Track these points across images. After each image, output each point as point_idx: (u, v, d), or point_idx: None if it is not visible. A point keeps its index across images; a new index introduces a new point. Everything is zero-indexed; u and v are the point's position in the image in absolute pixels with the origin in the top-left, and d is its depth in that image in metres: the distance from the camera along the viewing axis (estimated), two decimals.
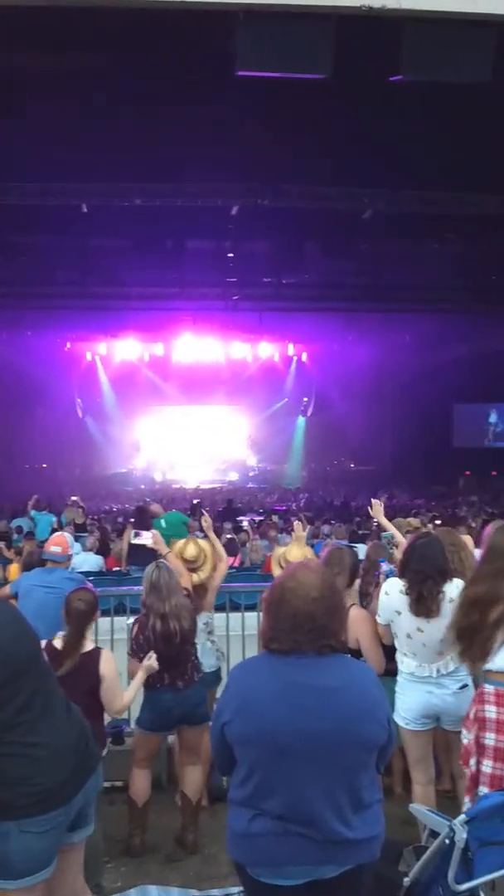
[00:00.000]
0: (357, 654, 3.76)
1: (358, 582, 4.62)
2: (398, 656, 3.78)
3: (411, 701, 3.73)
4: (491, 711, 3.10)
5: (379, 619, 3.70)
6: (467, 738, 3.19)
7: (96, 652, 3.76)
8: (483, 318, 20.26)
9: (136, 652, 4.07)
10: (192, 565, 4.72)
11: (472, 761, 3.12)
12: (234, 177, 13.99)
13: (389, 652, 3.97)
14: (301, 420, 29.62)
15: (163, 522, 7.95)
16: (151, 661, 3.85)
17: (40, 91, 10.81)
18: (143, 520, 8.61)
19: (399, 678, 3.77)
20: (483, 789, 3.02)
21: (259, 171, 13.79)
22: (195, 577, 4.70)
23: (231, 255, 17.93)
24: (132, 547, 7.59)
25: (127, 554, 8.38)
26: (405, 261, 18.15)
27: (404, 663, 3.73)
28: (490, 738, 3.07)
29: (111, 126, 11.82)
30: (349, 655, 3.57)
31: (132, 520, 12.24)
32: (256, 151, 13.01)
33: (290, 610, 2.25)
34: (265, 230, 16.48)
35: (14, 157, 12.43)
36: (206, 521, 5.41)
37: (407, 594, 3.68)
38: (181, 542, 4.87)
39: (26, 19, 9.13)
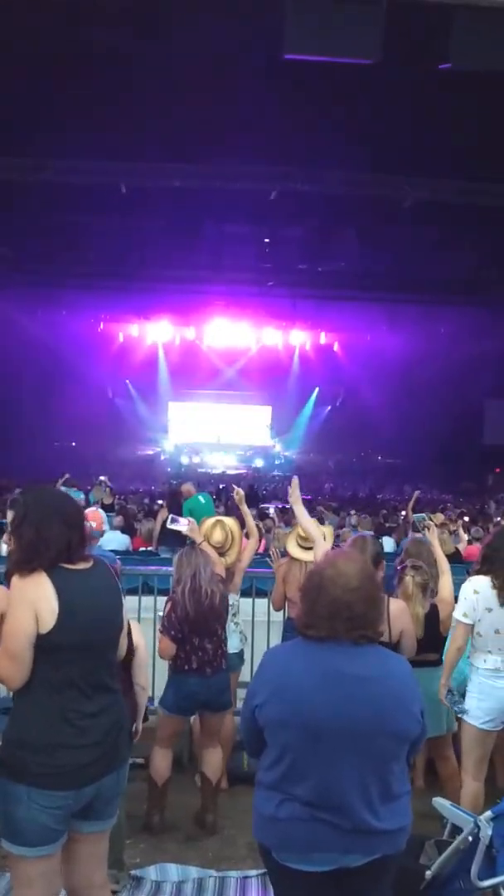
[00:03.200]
0: (395, 647, 3.74)
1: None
2: (480, 655, 3.71)
3: (494, 700, 3.67)
4: None
5: (464, 619, 3.65)
6: None
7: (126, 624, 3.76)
8: None
9: (168, 629, 4.08)
10: (218, 550, 4.70)
11: None
12: (273, 160, 13.87)
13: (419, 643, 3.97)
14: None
15: (201, 499, 8.09)
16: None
17: (79, 68, 10.78)
18: (176, 503, 8.66)
19: (477, 678, 3.70)
20: None
21: (299, 156, 13.66)
22: (222, 562, 4.68)
23: (267, 240, 17.86)
24: (164, 528, 7.65)
25: (159, 534, 8.47)
26: (443, 251, 17.91)
27: (488, 661, 3.67)
28: None
29: (150, 107, 11.77)
30: (389, 648, 3.57)
31: (160, 502, 12.35)
32: (297, 136, 12.89)
33: (329, 598, 2.26)
34: (302, 216, 16.37)
35: (52, 133, 12.43)
36: (239, 493, 5.37)
37: (496, 588, 3.66)
38: (208, 526, 4.82)
39: None
